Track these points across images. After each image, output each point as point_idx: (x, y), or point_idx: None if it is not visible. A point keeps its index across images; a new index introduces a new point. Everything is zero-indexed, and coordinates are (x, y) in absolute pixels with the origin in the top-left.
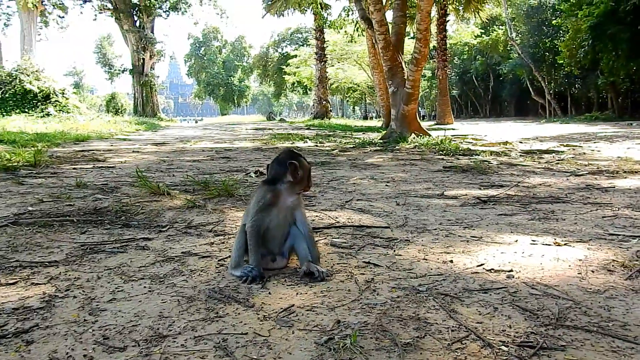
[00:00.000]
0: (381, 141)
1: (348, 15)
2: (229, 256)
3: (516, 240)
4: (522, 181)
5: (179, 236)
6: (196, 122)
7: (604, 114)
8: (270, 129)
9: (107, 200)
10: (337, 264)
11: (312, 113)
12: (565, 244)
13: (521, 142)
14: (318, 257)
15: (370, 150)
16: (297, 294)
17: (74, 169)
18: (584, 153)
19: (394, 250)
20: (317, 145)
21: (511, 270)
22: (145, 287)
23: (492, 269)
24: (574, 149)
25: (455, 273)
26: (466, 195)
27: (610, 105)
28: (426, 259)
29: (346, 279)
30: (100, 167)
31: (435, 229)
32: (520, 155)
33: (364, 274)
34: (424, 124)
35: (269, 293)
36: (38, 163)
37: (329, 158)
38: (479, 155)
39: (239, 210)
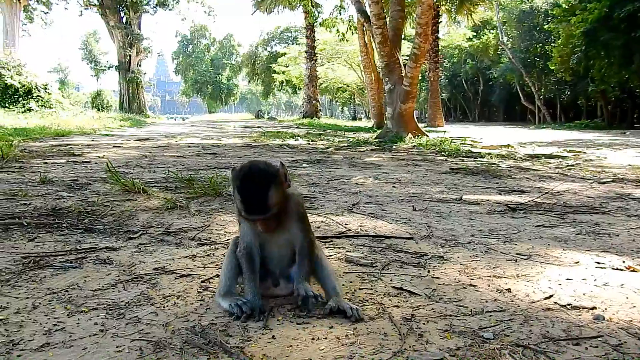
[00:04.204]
0: (376, 140)
1: (340, 13)
2: (217, 275)
3: (577, 262)
4: (543, 187)
5: (153, 245)
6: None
7: (593, 122)
8: (259, 126)
9: (71, 198)
10: (360, 289)
11: (301, 112)
12: None
13: (522, 146)
14: (339, 287)
15: (366, 150)
16: (312, 338)
17: (45, 163)
18: (591, 159)
19: (429, 271)
20: (309, 144)
21: (594, 308)
22: (96, 323)
23: (569, 305)
24: (578, 155)
25: (520, 309)
26: (488, 200)
27: (600, 113)
28: (474, 286)
29: (377, 314)
30: (74, 162)
31: (470, 242)
32: (525, 159)
33: (398, 306)
34: None
35: (273, 337)
36: (5, 157)
37: (324, 156)
38: (483, 157)
39: (228, 213)
